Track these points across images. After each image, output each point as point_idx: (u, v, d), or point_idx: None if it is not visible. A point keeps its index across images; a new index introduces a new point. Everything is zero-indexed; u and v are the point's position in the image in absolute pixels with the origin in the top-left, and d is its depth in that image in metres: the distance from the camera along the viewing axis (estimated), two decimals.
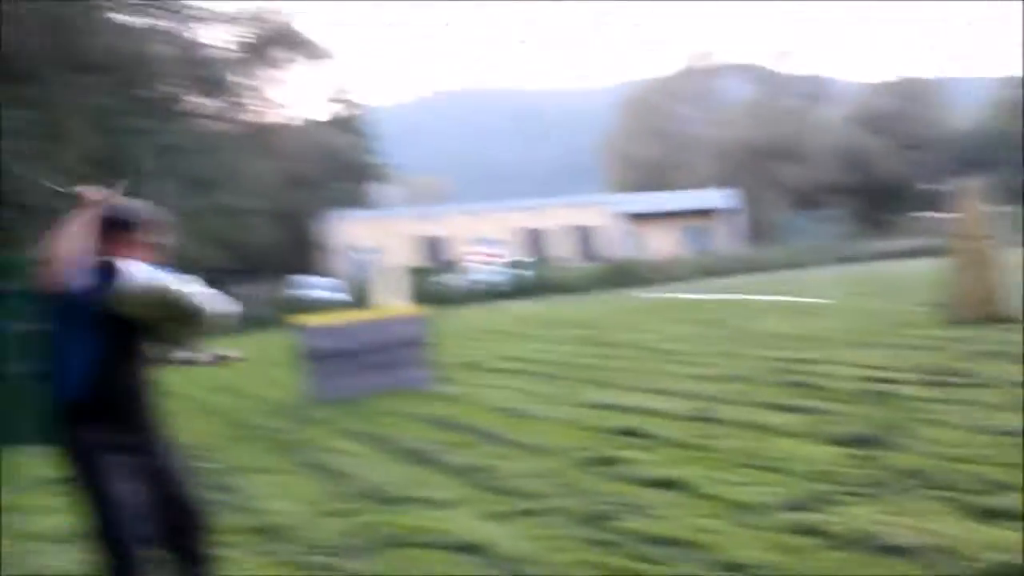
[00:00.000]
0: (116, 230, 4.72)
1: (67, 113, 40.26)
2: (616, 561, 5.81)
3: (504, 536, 6.53)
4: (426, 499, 7.69)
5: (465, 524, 6.90)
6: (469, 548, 6.32)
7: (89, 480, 4.56)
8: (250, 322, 34.28)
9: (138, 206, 4.90)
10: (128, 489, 4.57)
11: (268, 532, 7.19)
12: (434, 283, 41.08)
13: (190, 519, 4.83)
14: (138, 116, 45.48)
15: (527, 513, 7.05)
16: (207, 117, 62.07)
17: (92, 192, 4.60)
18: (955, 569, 5.25)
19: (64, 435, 4.57)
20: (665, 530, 6.27)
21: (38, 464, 10.96)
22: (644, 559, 5.80)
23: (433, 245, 61.99)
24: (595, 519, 6.70)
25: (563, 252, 61.07)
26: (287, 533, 7.11)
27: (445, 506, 7.47)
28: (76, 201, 4.58)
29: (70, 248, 4.46)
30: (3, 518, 8.44)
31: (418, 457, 9.41)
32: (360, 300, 34.21)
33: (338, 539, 6.84)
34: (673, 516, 6.62)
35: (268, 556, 6.61)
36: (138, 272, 4.50)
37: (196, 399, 15.57)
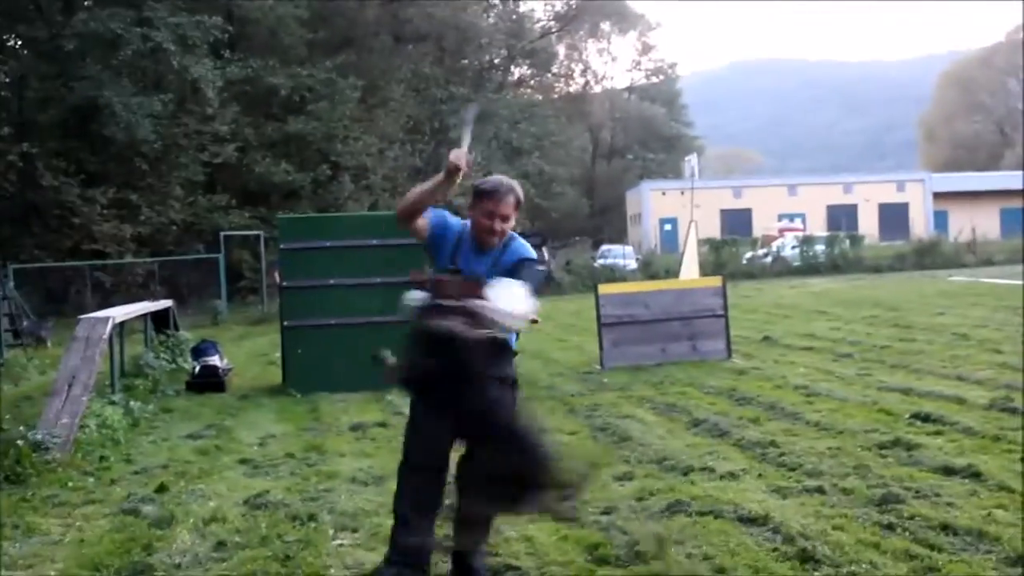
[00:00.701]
0: (481, 199, 5.36)
1: (387, 80, 42.00)
2: (902, 545, 5.75)
3: (790, 511, 6.58)
4: (712, 469, 7.81)
5: (751, 496, 6.98)
6: (754, 520, 6.40)
7: (410, 415, 5.49)
8: (551, 287, 35.07)
9: (501, 179, 5.48)
10: (439, 426, 5.27)
11: None
12: (735, 256, 40.84)
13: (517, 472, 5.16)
14: (455, 84, 47.05)
15: (814, 490, 7.06)
16: (522, 85, 63.47)
17: (460, 157, 5.09)
18: None
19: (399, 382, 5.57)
20: (955, 519, 6.17)
21: (350, 410, 11.72)
22: (931, 546, 5.73)
23: (737, 217, 61.49)
24: (882, 502, 6.64)
25: (870, 229, 59.39)
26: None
27: (731, 477, 7.57)
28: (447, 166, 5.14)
29: (422, 198, 5.26)
30: (310, 458, 9.11)
31: (707, 428, 9.51)
32: (662, 270, 34.42)
33: (625, 502, 7.05)
34: (964, 505, 6.49)
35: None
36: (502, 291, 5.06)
37: None
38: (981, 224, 57.40)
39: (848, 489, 7.04)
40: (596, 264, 39.85)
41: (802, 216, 61.02)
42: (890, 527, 6.13)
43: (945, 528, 6.03)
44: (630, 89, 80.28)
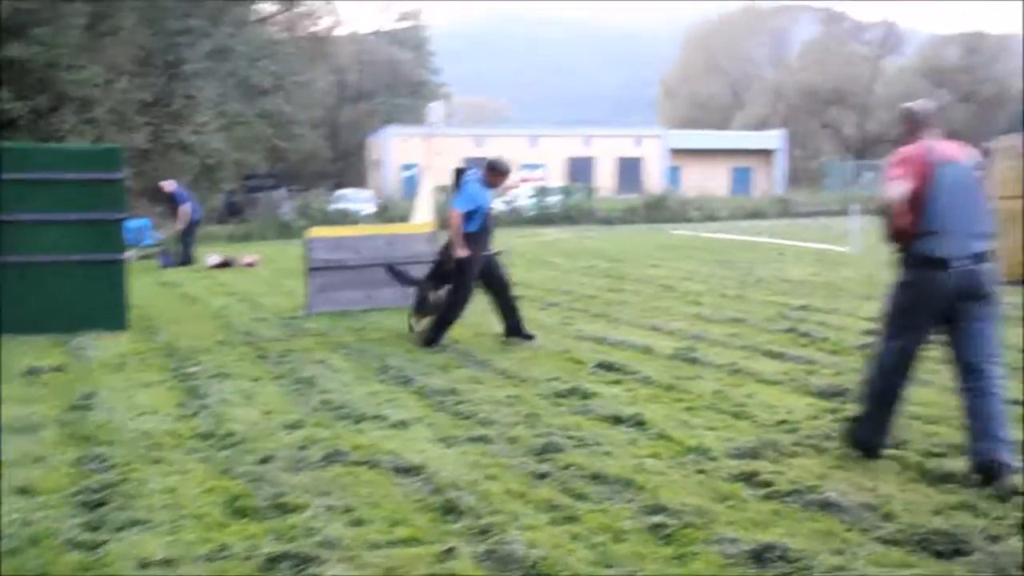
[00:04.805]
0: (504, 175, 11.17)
1: (118, 7, 40.07)
2: (548, 495, 5.70)
3: (448, 461, 6.45)
4: (385, 418, 7.62)
5: (415, 446, 6.83)
6: (409, 470, 6.24)
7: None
8: (280, 229, 34.35)
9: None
10: None
11: (221, 439, 7.13)
12: None
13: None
14: (191, 16, 45.24)
15: (480, 440, 6.96)
16: (263, 22, 61.67)
17: None
18: (888, 529, 5.10)
19: None
20: (606, 467, 6.17)
21: (28, 353, 11.03)
22: (577, 495, 5.70)
23: (478, 166, 61.79)
24: (542, 451, 6.60)
25: (607, 182, 60.69)
26: (239, 442, 7.04)
27: (401, 426, 7.40)
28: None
29: None
30: None
31: (394, 375, 9.33)
32: (399, 216, 34.19)
33: (286, 452, 6.77)
34: (620, 454, 6.52)
35: (211, 463, 6.55)
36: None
37: (204, 301, 15.65)
38: (712, 181, 59.45)
39: (513, 438, 6.97)
40: (330, 208, 39.18)
41: (542, 166, 61.75)
42: (543, 476, 6.08)
43: (596, 477, 6.03)
44: (376, 33, 79.32)
